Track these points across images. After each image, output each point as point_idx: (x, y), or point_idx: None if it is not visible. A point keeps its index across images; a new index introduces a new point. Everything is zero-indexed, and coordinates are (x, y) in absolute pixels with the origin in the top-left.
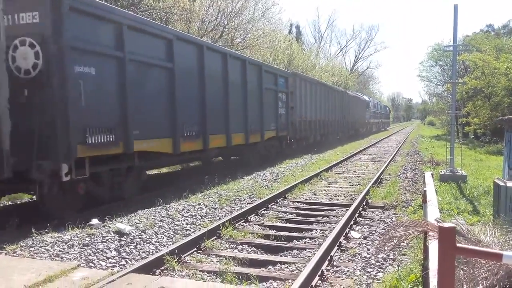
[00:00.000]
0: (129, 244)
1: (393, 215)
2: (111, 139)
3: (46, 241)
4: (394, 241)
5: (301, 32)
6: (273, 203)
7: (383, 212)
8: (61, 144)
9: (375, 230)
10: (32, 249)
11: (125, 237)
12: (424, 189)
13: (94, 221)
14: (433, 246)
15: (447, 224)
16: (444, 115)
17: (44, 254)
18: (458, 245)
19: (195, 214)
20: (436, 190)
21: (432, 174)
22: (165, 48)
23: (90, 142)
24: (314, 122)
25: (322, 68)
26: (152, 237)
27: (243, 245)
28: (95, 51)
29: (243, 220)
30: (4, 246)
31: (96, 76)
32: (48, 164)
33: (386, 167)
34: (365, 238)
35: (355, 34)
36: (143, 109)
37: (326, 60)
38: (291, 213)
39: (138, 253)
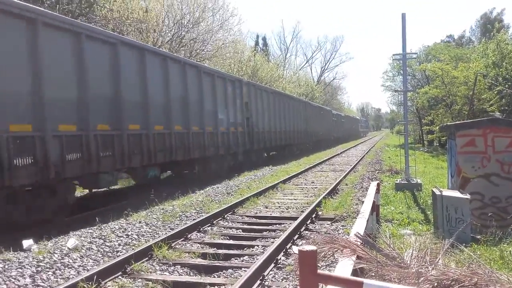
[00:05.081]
0: (47, 269)
1: (341, 227)
2: None
3: None
4: None
5: (267, 44)
6: (220, 218)
7: (331, 224)
8: None
9: None
10: None
11: (45, 261)
12: (362, 200)
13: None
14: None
15: (307, 247)
16: (410, 124)
17: None
18: (319, 271)
19: (131, 234)
20: (390, 200)
21: (378, 184)
22: None
23: None
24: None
25: (287, 80)
26: (76, 260)
27: (176, 266)
28: None
29: (182, 238)
30: None
31: None
32: None
33: (344, 177)
34: None
35: (320, 45)
36: None
37: (292, 71)
38: (237, 229)
39: (56, 279)
